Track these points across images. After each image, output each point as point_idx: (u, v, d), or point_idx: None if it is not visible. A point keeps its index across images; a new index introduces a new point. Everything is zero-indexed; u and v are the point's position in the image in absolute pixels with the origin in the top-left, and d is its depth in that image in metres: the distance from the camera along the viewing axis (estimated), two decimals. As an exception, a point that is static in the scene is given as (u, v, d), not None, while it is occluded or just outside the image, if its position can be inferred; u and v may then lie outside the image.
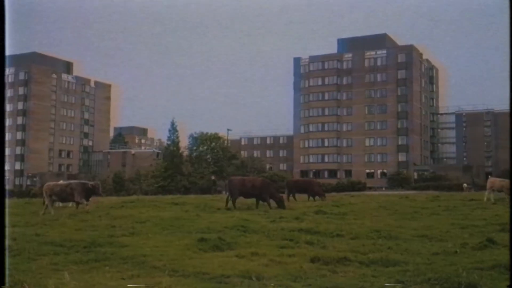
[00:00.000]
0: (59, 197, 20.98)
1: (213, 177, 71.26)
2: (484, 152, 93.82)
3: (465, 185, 55.58)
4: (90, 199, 21.36)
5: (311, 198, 30.56)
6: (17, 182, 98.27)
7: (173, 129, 75.76)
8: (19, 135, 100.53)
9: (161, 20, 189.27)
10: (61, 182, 22.90)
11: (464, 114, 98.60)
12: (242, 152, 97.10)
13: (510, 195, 23.27)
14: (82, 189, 20.80)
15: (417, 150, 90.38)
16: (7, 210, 5.45)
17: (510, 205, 20.05)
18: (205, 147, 78.89)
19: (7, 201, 5.58)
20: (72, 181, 22.30)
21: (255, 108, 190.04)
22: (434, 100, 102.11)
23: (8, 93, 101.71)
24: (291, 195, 30.41)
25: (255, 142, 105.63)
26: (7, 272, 5.82)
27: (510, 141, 7.00)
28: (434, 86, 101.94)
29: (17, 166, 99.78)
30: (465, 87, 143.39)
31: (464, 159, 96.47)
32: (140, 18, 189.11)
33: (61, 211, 20.00)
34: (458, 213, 19.01)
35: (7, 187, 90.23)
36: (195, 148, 79.29)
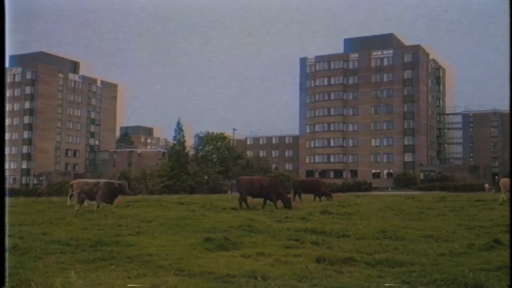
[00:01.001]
0: (87, 195, 20.78)
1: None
2: (491, 152, 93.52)
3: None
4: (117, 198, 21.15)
5: (317, 198, 30.49)
6: (23, 181, 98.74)
7: (179, 129, 75.94)
8: (26, 134, 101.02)
9: (167, 21, 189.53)
10: (90, 180, 22.55)
11: (471, 114, 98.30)
12: (247, 152, 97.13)
13: (510, 195, 23.15)
14: (108, 188, 20.55)
15: (424, 151, 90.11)
16: (7, 209, 5.47)
17: (510, 205, 19.94)
18: (211, 147, 78.99)
19: (7, 200, 5.59)
20: (100, 180, 22.00)
21: (261, 108, 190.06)
22: (441, 100, 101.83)
23: (15, 92, 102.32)
24: (297, 195, 30.36)
25: (260, 142, 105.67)
26: (7, 272, 5.84)
27: (510, 141, 6.99)
28: (440, 86, 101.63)
29: (24, 165, 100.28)
30: (472, 87, 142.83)
31: (471, 159, 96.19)
32: (145, 18, 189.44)
33: (68, 210, 20.05)
34: (465, 214, 18.93)
35: (14, 186, 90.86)
36: (201, 147, 79.41)
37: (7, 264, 5.77)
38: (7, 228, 5.45)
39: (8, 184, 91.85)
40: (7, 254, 5.56)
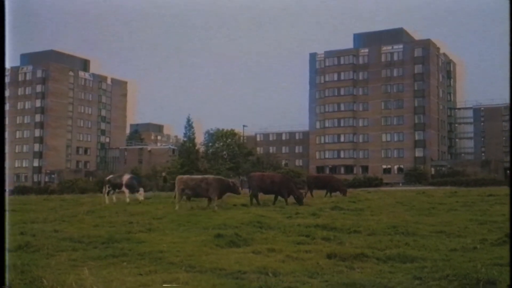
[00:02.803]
0: (193, 192, 20.22)
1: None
2: (503, 147, 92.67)
3: None
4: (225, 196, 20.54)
5: (328, 194, 30.29)
6: (35, 179, 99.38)
7: (189, 126, 76.09)
8: (37, 133, 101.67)
9: (176, 18, 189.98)
10: (195, 176, 21.92)
11: (482, 108, 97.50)
12: (257, 148, 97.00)
13: (510, 194, 22.89)
14: (219, 185, 20.02)
15: (435, 146, 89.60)
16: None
17: (510, 205, 19.73)
18: (221, 144, 79.03)
19: (7, 200, 5.62)
20: (207, 176, 21.32)
21: (271, 104, 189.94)
22: (452, 94, 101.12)
23: (26, 90, 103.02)
24: (310, 191, 30.15)
25: (270, 138, 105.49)
26: (7, 271, 5.87)
27: (510, 140, 6.88)
28: (451, 80, 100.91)
29: (36, 163, 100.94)
30: (483, 81, 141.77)
31: (482, 154, 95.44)
32: (155, 16, 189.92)
33: (79, 208, 20.16)
34: (476, 209, 18.79)
35: (26, 183, 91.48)
36: (211, 144, 79.49)
37: (7, 264, 5.79)
38: (7, 227, 5.48)
39: (20, 182, 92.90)
40: (6, 255, 5.59)
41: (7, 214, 5.58)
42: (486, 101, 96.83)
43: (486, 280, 7.21)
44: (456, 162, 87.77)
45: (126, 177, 25.05)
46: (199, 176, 21.30)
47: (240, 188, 20.95)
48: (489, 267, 7.98)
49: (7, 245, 5.64)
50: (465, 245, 10.35)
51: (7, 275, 5.90)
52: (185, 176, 21.33)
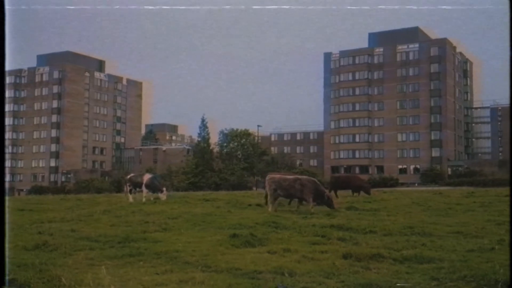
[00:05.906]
0: (286, 192, 19.24)
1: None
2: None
3: None
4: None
5: (356, 193, 29.94)
6: (52, 179, 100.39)
7: (204, 126, 76.31)
8: (54, 133, 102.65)
9: (190, 18, 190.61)
10: (288, 176, 20.69)
11: (499, 108, 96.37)
12: (272, 148, 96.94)
13: (510, 194, 22.57)
14: (314, 187, 18.91)
15: (451, 145, 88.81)
16: (7, 209, 5.55)
17: (510, 205, 19.49)
18: (236, 144, 79.05)
19: (7, 200, 5.67)
20: (301, 176, 20.43)
21: (285, 104, 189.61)
22: (468, 94, 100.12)
23: (43, 91, 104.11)
24: (334, 191, 29.76)
25: (285, 138, 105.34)
26: (7, 271, 5.93)
27: (510, 140, 6.82)
28: (468, 79, 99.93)
29: (52, 163, 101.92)
30: (501, 80, 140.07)
31: (500, 154, 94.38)
32: (169, 18, 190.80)
33: (96, 208, 20.30)
34: (494, 209, 18.59)
35: (43, 183, 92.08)
36: (225, 144, 79.56)
37: (7, 263, 5.85)
38: (7, 227, 5.54)
39: (37, 182, 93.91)
40: (6, 255, 5.65)
41: (7, 214, 5.64)
42: (504, 101, 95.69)
43: (504, 281, 7.14)
44: (473, 162, 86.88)
45: (146, 177, 25.22)
46: (292, 176, 20.36)
47: (333, 203, 19.19)
48: (507, 268, 7.88)
49: (7, 245, 5.69)
50: (483, 246, 10.26)
51: (8, 275, 5.95)
52: (278, 176, 20.37)
